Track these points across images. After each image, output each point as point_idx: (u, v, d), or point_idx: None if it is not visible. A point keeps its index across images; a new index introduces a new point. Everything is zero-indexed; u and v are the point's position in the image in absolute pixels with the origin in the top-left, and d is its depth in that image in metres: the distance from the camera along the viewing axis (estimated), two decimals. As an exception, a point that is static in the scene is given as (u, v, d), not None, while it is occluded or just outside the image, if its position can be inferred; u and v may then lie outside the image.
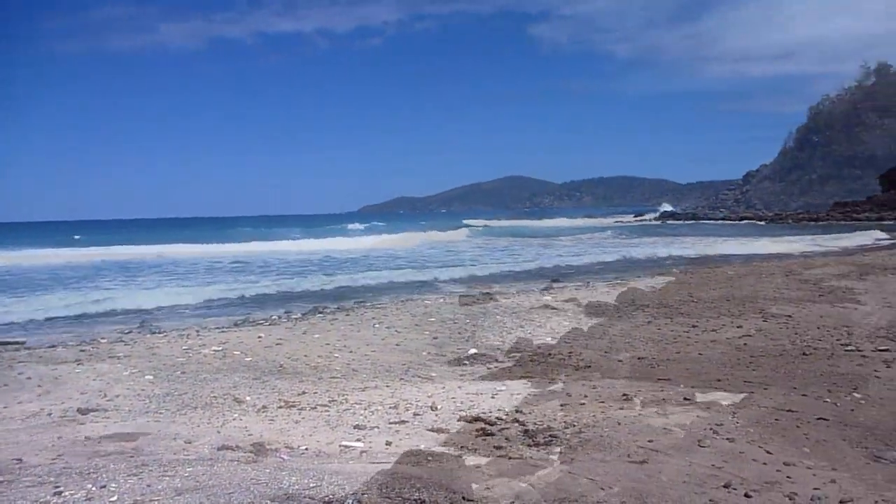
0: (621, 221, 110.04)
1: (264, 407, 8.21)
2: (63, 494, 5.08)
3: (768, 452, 6.21)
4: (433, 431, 7.27)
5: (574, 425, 7.21)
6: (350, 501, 5.13)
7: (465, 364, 10.64)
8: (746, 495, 5.20)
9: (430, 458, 6.50)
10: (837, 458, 6.17)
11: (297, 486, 5.55)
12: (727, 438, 6.56)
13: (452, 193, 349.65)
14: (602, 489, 5.07)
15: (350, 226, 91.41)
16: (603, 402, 8.07)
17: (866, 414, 7.42)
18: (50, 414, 8.01)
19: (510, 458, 6.50)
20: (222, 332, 13.82)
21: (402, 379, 9.62)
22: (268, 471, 5.96)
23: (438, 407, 8.08)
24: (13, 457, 6.21)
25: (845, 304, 14.59)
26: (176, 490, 5.32)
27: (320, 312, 16.43)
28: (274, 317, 16.09)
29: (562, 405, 8.06)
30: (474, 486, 5.55)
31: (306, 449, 6.80)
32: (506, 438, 7.06)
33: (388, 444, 6.93)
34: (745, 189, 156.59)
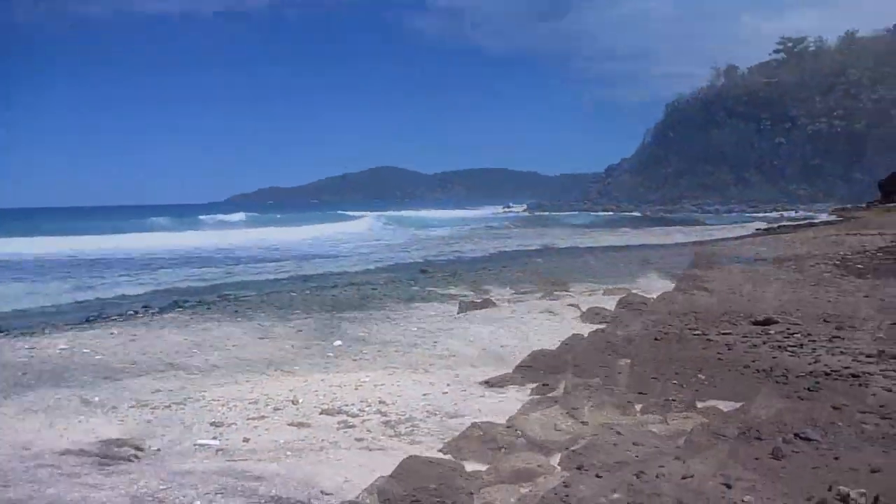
0: (498, 212, 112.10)
1: (114, 407, 7.80)
2: None
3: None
4: (294, 426, 7.15)
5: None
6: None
7: (330, 356, 10.52)
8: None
9: (288, 452, 6.40)
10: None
11: (144, 490, 5.32)
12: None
13: (322, 184, 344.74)
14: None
15: (223, 216, 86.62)
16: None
17: (709, 393, 7.92)
18: None
19: (371, 449, 6.51)
20: (72, 329, 13.03)
21: (263, 373, 9.40)
22: (115, 475, 5.68)
23: (300, 401, 7.95)
24: None
25: (694, 292, 15.50)
26: (9, 502, 4.97)
27: (179, 307, 15.81)
28: (130, 312, 15.34)
29: (424, 394, 8.15)
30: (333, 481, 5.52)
31: (158, 450, 6.53)
32: (367, 430, 7.05)
33: (246, 440, 6.75)
34: (608, 182, 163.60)
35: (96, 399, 8.08)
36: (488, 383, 8.73)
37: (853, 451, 4.50)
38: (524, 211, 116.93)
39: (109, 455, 6.30)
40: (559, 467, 5.87)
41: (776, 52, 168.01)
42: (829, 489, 3.99)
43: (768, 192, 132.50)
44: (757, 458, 5.04)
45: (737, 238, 38.50)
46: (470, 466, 5.98)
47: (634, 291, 16.13)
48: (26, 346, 11.10)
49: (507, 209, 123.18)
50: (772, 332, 10.38)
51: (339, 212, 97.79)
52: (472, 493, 5.34)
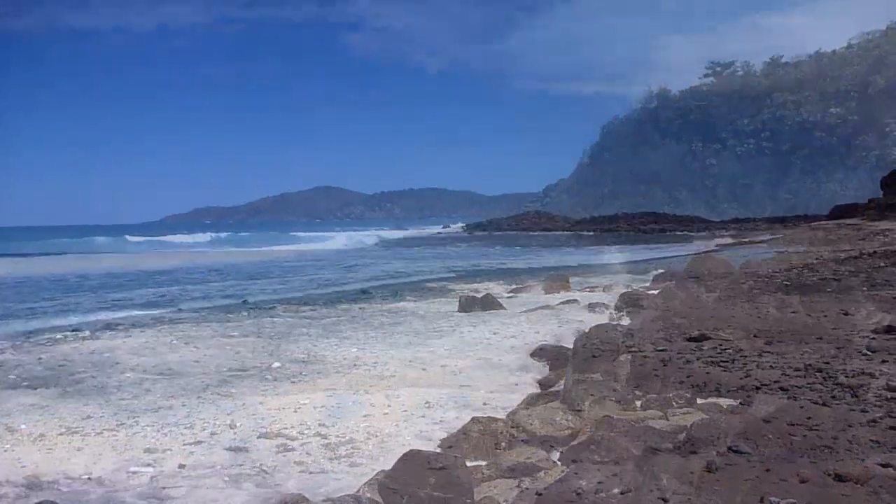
0: (441, 233, 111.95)
1: (42, 435, 7.52)
2: None
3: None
4: (231, 451, 7.01)
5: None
6: None
7: (268, 379, 10.35)
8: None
9: (226, 477, 6.27)
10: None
11: (74, 520, 5.15)
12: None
13: (260, 203, 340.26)
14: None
15: (185, 237, 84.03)
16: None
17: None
18: None
19: (311, 472, 6.42)
20: (-3, 353, 12.53)
21: (199, 397, 9.19)
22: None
23: (237, 425, 7.81)
24: None
25: (631, 309, 15.80)
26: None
27: (111, 329, 15.37)
28: (58, 335, 14.83)
29: (364, 416, 8.09)
30: None
31: (89, 478, 6.32)
32: (307, 453, 6.96)
33: (182, 466, 6.60)
34: (545, 201, 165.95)
35: (22, 427, 7.78)
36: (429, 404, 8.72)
37: (783, 462, 4.65)
38: (464, 231, 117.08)
39: (36, 486, 6.07)
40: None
41: (706, 75, 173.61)
42: (761, 500, 4.11)
43: (699, 210, 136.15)
44: (692, 472, 5.16)
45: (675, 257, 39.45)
46: (470, 461, 5.98)
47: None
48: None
49: (445, 228, 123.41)
50: (705, 347, 10.63)
51: (293, 233, 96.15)
52: (472, 488, 5.33)
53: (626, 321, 14.32)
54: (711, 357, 10.01)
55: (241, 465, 6.60)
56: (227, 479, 6.23)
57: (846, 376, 7.78)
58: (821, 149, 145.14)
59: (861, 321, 9.71)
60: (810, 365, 8.92)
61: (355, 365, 11.16)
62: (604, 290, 21.85)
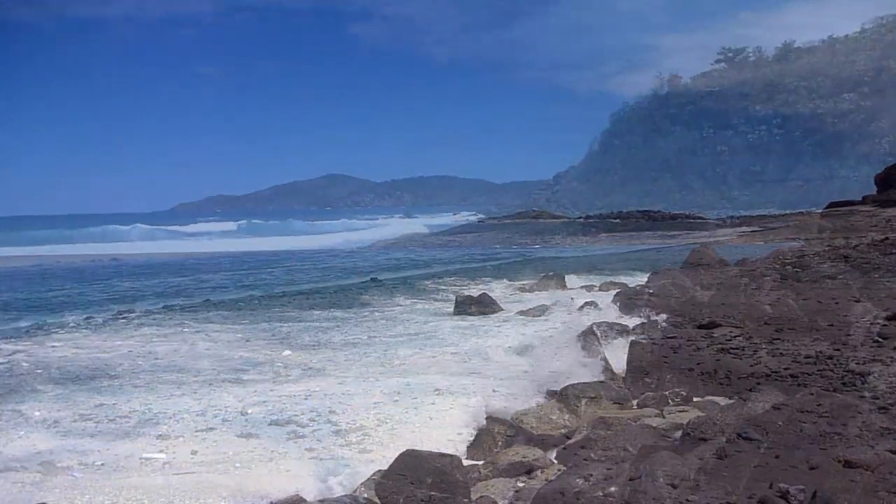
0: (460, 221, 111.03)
1: (56, 421, 7.61)
2: None
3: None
4: (243, 437, 7.06)
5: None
6: None
7: (279, 367, 10.41)
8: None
9: (237, 463, 6.32)
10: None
11: (88, 506, 5.21)
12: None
13: (271, 192, 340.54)
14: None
15: (205, 225, 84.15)
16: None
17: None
18: None
19: (321, 459, 6.46)
20: (8, 341, 12.64)
21: (211, 384, 9.25)
22: (57, 490, 5.54)
23: (249, 412, 7.86)
24: None
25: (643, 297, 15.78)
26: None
27: (123, 317, 15.47)
28: (71, 324, 14.94)
29: (374, 403, 8.12)
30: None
31: (103, 464, 6.38)
32: (317, 440, 7.00)
33: (194, 453, 6.65)
34: (556, 189, 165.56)
35: (37, 414, 7.86)
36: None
37: (792, 449, 4.65)
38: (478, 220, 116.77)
39: (52, 471, 6.14)
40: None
41: (717, 61, 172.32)
42: (770, 486, 4.11)
43: (710, 198, 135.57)
44: (701, 459, 5.17)
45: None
46: (467, 460, 6.01)
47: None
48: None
49: (455, 215, 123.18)
50: (715, 335, 10.61)
51: (321, 222, 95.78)
52: (469, 487, 5.35)
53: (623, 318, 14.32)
54: (721, 345, 9.99)
55: (252, 451, 6.64)
56: (237, 465, 6.27)
57: (857, 363, 7.77)
58: (833, 135, 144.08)
59: (872, 308, 9.65)
60: (821, 352, 8.90)
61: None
62: (600, 288, 21.83)
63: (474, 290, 20.09)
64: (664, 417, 6.92)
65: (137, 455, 6.56)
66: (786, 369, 8.26)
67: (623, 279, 24.03)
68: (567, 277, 24.16)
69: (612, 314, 15.21)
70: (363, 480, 5.45)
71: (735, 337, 9.90)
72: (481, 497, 5.23)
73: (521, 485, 5.46)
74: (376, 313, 15.68)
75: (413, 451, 5.57)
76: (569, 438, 6.62)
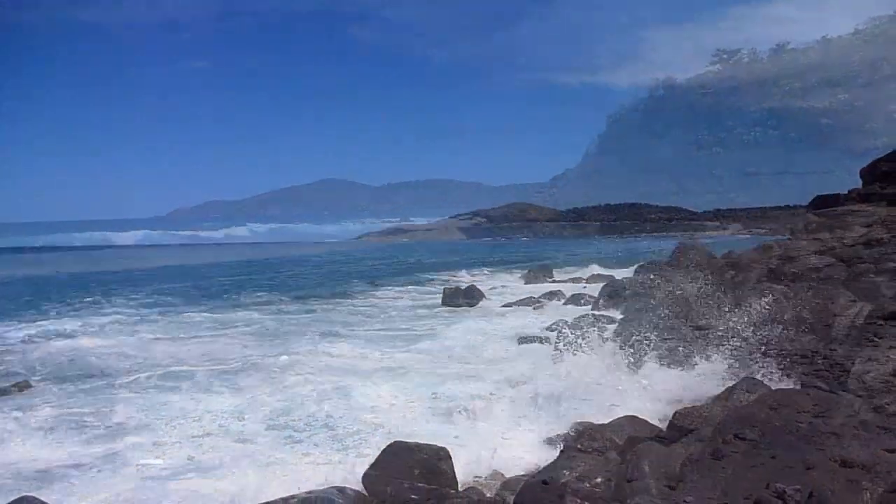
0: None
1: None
2: None
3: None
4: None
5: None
6: None
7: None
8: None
9: (234, 469, 6.29)
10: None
11: (85, 513, 5.19)
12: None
13: (267, 197, 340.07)
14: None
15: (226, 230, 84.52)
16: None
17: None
18: None
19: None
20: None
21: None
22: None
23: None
24: None
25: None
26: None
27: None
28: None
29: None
30: None
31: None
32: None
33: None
34: (552, 192, 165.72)
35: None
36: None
37: (789, 449, 4.64)
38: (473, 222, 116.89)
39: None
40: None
41: (711, 63, 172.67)
42: (767, 486, 4.10)
43: (708, 199, 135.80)
44: (698, 460, 5.15)
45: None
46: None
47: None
48: None
49: (452, 219, 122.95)
50: (702, 326, 10.53)
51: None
52: (456, 478, 5.33)
53: (609, 311, 14.34)
54: (707, 339, 9.88)
55: (249, 456, 6.61)
56: (234, 471, 6.24)
57: (853, 363, 7.75)
58: (829, 135, 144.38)
59: (857, 301, 9.61)
60: (816, 352, 8.88)
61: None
62: (587, 281, 21.88)
63: (463, 282, 20.27)
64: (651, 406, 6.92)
65: (135, 462, 6.54)
66: (781, 369, 8.24)
67: (610, 272, 24.11)
68: (555, 270, 24.26)
69: (598, 306, 15.27)
70: (351, 472, 5.42)
71: (720, 329, 9.87)
72: (469, 488, 5.22)
73: (509, 476, 5.48)
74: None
75: (401, 442, 5.55)
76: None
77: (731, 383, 6.61)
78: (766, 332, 8.54)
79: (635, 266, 23.50)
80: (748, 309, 9.35)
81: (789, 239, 13.21)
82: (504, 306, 17.45)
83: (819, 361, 7.97)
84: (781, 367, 7.70)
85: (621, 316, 12.81)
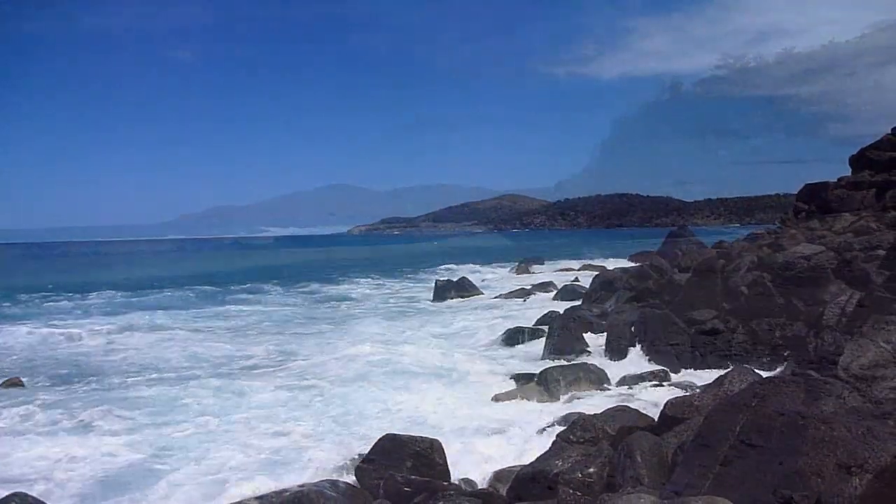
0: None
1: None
2: None
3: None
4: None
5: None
6: None
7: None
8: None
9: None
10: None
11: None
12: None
13: (274, 202, 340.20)
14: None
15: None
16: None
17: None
18: None
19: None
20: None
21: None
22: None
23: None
24: None
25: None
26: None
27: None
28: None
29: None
30: None
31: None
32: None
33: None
34: (556, 196, 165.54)
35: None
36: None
37: (778, 437, 4.63)
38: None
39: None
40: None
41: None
42: (774, 493, 4.07)
43: (713, 204, 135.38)
44: (705, 465, 5.14)
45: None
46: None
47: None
48: None
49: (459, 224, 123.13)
50: (693, 316, 10.54)
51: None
52: (448, 469, 5.37)
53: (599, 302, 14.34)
54: (699, 326, 9.87)
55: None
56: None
57: (860, 367, 7.71)
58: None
59: (846, 289, 9.57)
60: (824, 358, 8.83)
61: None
62: (579, 271, 21.79)
63: (454, 274, 20.23)
64: (641, 398, 6.99)
65: (141, 465, 6.55)
66: (762, 350, 8.27)
67: (601, 262, 24.03)
68: (547, 261, 24.15)
69: (589, 297, 15.31)
70: (343, 465, 5.43)
71: (712, 318, 9.86)
72: (462, 479, 5.25)
73: (501, 466, 5.54)
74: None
75: (393, 435, 5.58)
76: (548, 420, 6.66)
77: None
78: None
79: (627, 257, 23.46)
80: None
81: (779, 228, 13.18)
82: (495, 298, 17.45)
83: (809, 349, 7.97)
84: (772, 355, 7.74)
85: (612, 308, 12.82)
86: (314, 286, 23.31)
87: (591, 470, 4.38)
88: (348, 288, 22.73)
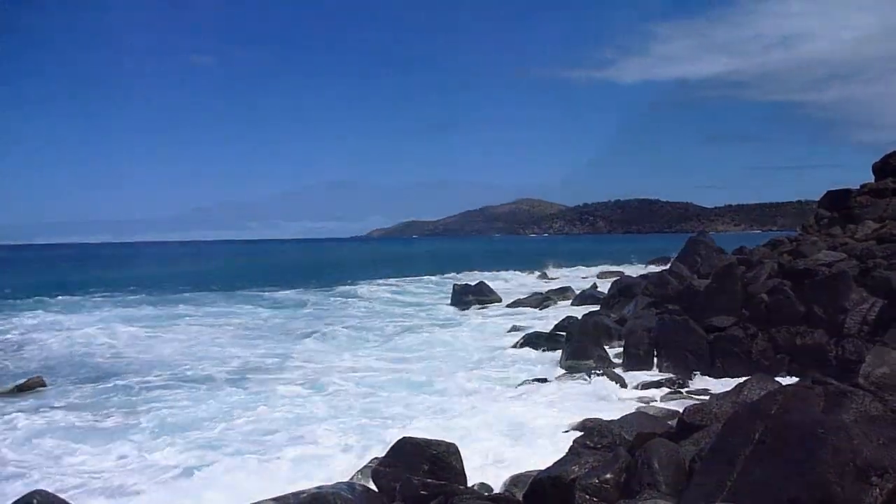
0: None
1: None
2: None
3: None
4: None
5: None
6: None
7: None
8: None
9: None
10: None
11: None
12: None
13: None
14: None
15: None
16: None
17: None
18: None
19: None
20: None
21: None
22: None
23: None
24: None
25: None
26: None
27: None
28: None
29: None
30: None
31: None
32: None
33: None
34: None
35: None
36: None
37: (797, 445, 4.60)
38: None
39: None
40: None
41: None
42: (792, 502, 4.05)
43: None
44: (724, 473, 5.11)
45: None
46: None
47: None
48: None
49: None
50: (713, 322, 10.50)
51: None
52: (465, 473, 5.35)
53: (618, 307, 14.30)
54: (718, 333, 9.83)
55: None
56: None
57: (882, 376, 7.67)
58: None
59: (868, 297, 9.51)
60: (845, 366, 8.77)
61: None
62: (598, 277, 21.75)
63: (472, 279, 20.19)
64: (659, 405, 6.95)
65: (153, 467, 6.57)
66: (781, 357, 8.23)
67: (620, 268, 23.99)
68: (565, 266, 24.10)
69: (608, 303, 15.22)
70: (360, 468, 5.44)
71: (731, 325, 9.83)
72: (478, 483, 5.23)
73: (517, 471, 5.52)
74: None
75: (409, 438, 5.54)
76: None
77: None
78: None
79: (646, 262, 23.38)
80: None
81: (800, 234, 13.10)
82: (511, 305, 17.43)
83: (830, 357, 7.94)
84: (792, 363, 7.69)
85: (631, 313, 12.76)
86: (340, 288, 23.56)
87: (608, 476, 4.36)
88: (370, 290, 22.84)
